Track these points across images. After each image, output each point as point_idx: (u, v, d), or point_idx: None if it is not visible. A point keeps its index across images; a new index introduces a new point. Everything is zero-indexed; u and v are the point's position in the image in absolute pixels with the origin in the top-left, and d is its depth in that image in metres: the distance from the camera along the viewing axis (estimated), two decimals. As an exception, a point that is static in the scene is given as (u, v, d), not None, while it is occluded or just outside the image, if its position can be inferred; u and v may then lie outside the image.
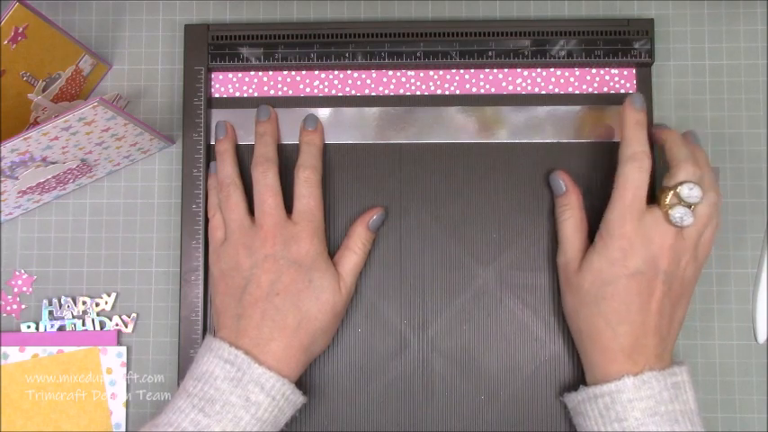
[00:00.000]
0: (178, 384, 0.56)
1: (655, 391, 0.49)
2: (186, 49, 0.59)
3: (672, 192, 0.51)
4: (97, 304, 0.59)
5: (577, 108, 0.59)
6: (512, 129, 0.59)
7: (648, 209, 0.51)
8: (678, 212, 0.50)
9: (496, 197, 0.58)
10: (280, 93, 0.59)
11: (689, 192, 0.50)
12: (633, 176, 0.51)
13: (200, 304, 0.57)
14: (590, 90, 0.59)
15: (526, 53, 0.58)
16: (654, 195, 0.53)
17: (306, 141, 0.57)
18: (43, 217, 0.60)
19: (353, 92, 0.59)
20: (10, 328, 0.59)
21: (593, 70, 0.59)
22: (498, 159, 0.58)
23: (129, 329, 0.59)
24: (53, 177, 0.56)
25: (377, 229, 0.57)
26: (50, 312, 0.59)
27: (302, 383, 0.56)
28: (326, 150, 0.59)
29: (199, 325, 0.57)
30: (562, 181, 0.56)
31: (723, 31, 0.60)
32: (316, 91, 0.59)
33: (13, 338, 0.59)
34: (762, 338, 0.57)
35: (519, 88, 0.59)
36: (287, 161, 0.58)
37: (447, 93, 0.59)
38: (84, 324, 0.59)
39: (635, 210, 0.51)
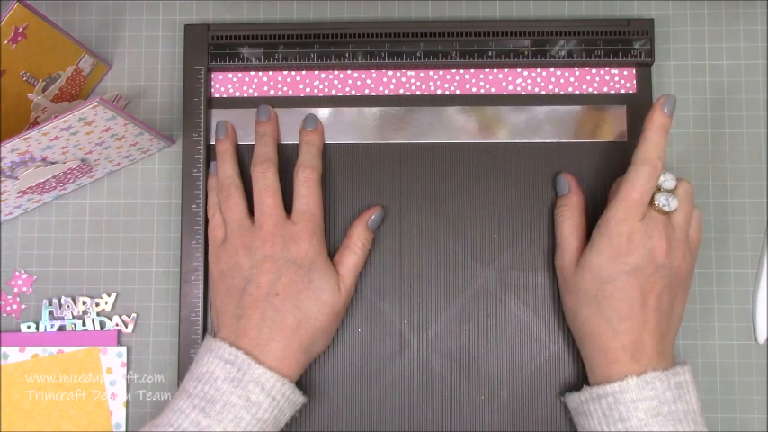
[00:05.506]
0: (178, 384, 0.56)
1: (658, 392, 0.49)
2: (186, 49, 0.59)
3: None
4: (97, 304, 0.59)
5: (577, 108, 0.59)
6: (512, 129, 0.59)
7: None
8: (663, 197, 0.52)
9: (496, 197, 0.58)
10: (280, 93, 0.59)
11: (663, 178, 0.52)
12: (642, 181, 0.51)
13: (200, 304, 0.57)
14: (590, 90, 0.59)
15: (526, 53, 0.58)
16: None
17: (306, 141, 0.57)
18: (43, 217, 0.60)
19: (353, 92, 0.59)
20: (10, 328, 0.59)
21: (593, 70, 0.59)
22: (498, 159, 0.58)
23: (129, 329, 0.59)
24: (53, 177, 0.55)
25: (376, 228, 0.57)
26: (50, 312, 0.59)
27: (302, 383, 0.56)
28: (326, 150, 0.59)
29: (199, 325, 0.57)
30: (567, 182, 0.56)
31: (723, 31, 0.60)
32: (316, 91, 0.59)
33: (13, 338, 0.59)
34: (762, 338, 0.57)
35: (519, 88, 0.59)
36: (287, 161, 0.58)
37: (447, 93, 0.59)
38: (84, 324, 0.59)
39: (638, 212, 0.51)
